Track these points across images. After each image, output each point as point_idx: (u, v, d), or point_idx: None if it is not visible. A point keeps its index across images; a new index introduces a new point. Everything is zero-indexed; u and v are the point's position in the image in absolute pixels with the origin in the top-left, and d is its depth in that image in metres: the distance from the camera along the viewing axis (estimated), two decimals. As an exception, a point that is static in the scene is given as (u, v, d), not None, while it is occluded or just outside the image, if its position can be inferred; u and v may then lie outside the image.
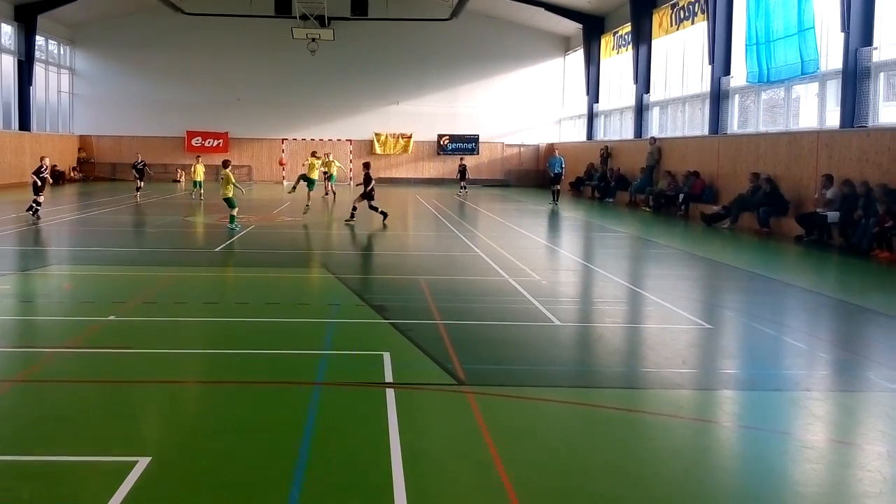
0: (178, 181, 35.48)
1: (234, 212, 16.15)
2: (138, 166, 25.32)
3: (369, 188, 17.36)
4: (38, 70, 32.78)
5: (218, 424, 5.21)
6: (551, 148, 33.23)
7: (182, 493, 4.19)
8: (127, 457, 4.53)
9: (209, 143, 37.26)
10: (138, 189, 24.31)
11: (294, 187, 21.11)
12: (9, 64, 30.74)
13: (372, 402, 5.61)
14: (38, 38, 32.01)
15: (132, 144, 36.34)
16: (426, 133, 37.96)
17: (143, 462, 4.45)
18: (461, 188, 30.18)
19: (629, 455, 4.81)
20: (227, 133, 37.40)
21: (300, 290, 10.41)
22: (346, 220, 17.72)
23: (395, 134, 37.98)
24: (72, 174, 34.93)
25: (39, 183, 17.49)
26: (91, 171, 36.80)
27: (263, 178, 37.59)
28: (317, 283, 10.80)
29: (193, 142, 37.05)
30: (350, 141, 37.39)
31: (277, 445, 4.82)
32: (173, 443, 4.90)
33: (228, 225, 16.05)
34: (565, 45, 37.71)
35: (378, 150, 37.94)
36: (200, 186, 24.50)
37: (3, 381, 6.03)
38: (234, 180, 16.33)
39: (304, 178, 20.69)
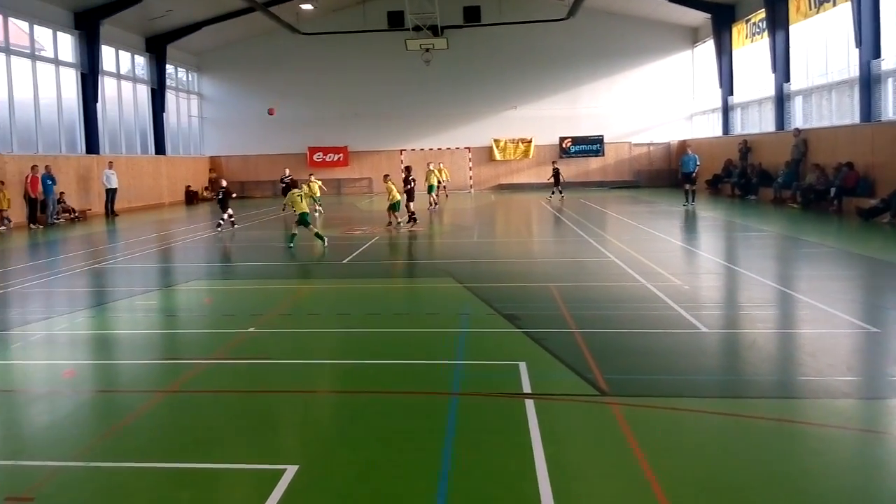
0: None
1: (307, 230, 16.11)
2: (285, 180, 26.37)
3: (409, 188, 19.81)
4: (170, 97, 35.22)
5: (360, 434, 5.22)
6: (683, 145, 31.81)
7: (332, 502, 4.21)
8: (276, 465, 4.63)
9: (330, 157, 38.44)
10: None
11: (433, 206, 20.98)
12: (143, 93, 33.26)
13: (512, 412, 5.47)
14: (168, 66, 34.47)
15: (258, 162, 38.42)
16: (547, 136, 37.45)
17: (291, 470, 4.53)
18: (558, 192, 28.84)
19: (794, 470, 4.44)
20: (346, 147, 38.49)
21: (428, 300, 10.42)
22: (408, 226, 19.17)
23: (514, 139, 37.71)
24: (204, 193, 37.01)
25: (221, 197, 20.08)
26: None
27: (383, 191, 38.25)
28: (444, 292, 10.71)
29: (315, 157, 38.31)
30: (469, 148, 37.51)
31: (420, 456, 4.78)
32: (319, 452, 4.95)
33: (288, 244, 15.90)
34: (693, 37, 36.18)
35: (497, 156, 37.81)
36: (318, 202, 25.00)
37: (156, 391, 6.35)
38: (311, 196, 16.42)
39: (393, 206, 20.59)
